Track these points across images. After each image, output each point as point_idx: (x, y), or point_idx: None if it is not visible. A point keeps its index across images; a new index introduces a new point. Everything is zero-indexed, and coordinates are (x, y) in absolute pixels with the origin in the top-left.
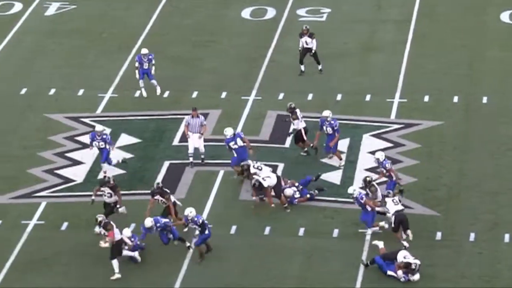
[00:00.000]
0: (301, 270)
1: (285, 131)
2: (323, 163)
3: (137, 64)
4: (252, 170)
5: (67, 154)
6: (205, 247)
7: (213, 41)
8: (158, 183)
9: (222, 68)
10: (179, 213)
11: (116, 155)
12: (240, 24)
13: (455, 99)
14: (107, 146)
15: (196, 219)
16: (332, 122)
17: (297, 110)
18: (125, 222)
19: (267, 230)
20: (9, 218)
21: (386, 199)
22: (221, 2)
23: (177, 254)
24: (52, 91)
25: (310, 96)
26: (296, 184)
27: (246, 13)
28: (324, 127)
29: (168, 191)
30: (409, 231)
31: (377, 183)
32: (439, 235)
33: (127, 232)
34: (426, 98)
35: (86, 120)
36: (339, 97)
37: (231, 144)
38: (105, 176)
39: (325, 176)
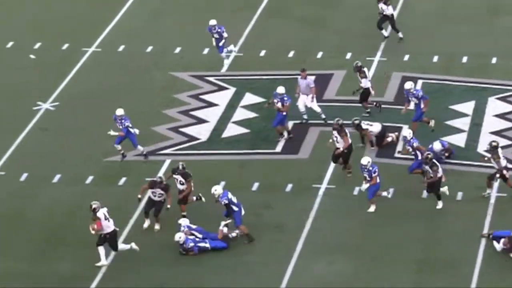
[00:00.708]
0: (426, 232)
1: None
2: (447, 125)
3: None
4: (364, 126)
5: (192, 113)
6: (246, 228)
7: (341, 2)
8: (182, 164)
9: (347, 29)
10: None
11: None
12: None
13: None
14: (132, 130)
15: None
16: (415, 92)
17: (365, 69)
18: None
19: (390, 191)
20: (133, 175)
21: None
22: None
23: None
24: (178, 49)
25: (435, 58)
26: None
27: None
28: (410, 98)
29: (191, 174)
30: None
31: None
32: None
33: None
34: None
35: (211, 79)
36: (464, 59)
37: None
38: (159, 177)
39: (449, 139)
